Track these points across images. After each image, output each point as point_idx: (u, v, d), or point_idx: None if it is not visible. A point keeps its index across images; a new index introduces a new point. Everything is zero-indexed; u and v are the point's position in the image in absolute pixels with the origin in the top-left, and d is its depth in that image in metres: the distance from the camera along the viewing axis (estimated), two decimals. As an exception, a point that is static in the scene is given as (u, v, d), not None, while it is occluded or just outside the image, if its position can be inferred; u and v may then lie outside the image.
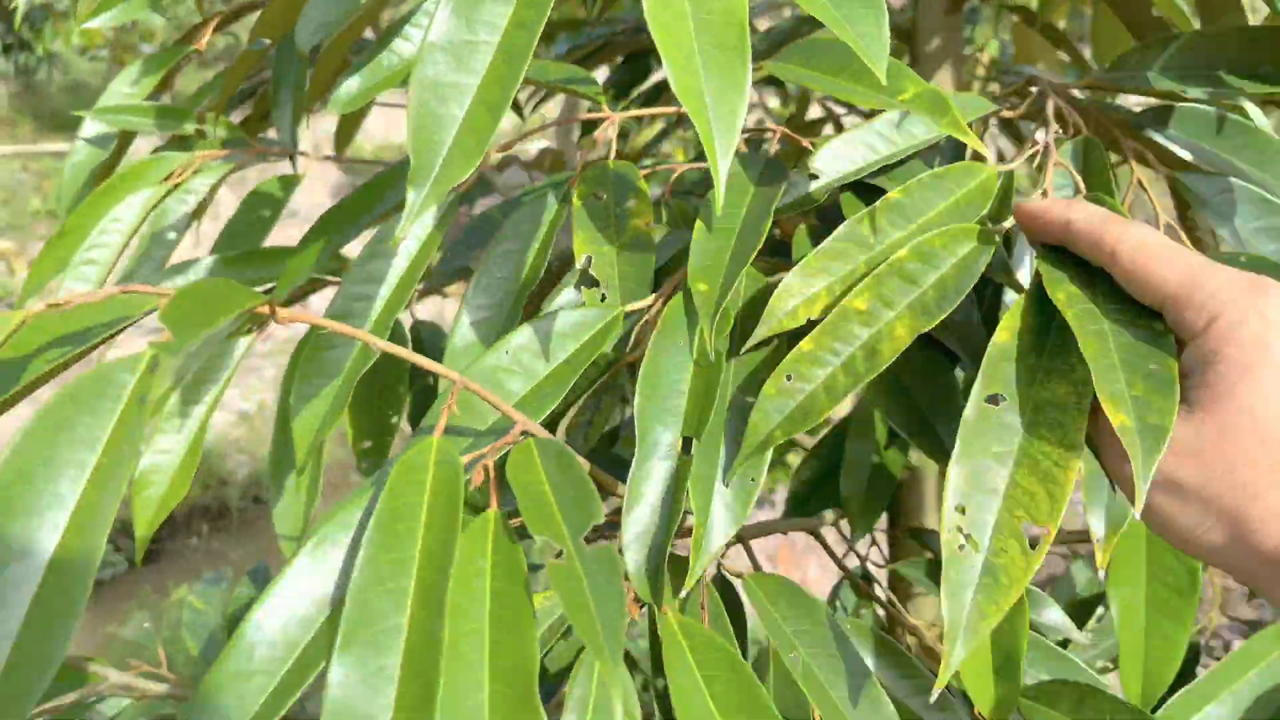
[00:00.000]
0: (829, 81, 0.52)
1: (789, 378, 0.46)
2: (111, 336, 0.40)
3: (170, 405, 0.75)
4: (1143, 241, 0.43)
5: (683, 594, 0.49)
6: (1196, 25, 0.73)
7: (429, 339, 0.90)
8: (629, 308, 0.53)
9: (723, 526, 0.46)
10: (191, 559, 3.78)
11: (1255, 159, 0.56)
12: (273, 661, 0.40)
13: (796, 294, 0.49)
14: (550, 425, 0.52)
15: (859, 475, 0.80)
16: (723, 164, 0.40)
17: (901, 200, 0.51)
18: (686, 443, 0.49)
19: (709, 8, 0.40)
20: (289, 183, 0.93)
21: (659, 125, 1.48)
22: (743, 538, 0.66)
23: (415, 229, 0.60)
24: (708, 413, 0.48)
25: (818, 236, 0.55)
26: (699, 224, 0.52)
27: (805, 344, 0.46)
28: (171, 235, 0.88)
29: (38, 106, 7.74)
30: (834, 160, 0.55)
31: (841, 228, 0.50)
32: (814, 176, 0.54)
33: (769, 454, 0.46)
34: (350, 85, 0.56)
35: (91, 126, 0.90)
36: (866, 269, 0.49)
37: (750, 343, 0.50)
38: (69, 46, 7.94)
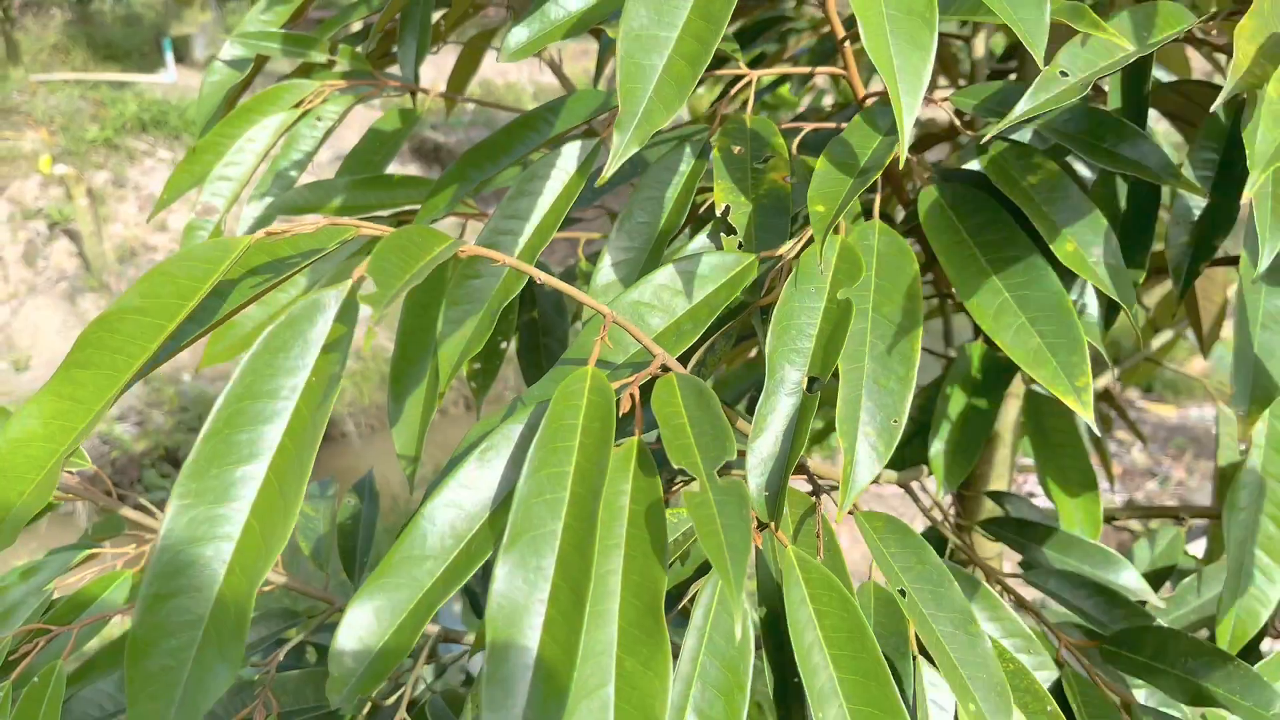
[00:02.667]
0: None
1: None
2: (311, 263, 0.44)
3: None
4: None
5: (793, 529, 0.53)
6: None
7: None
8: (765, 254, 0.57)
9: (868, 464, 0.50)
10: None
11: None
12: (443, 550, 0.45)
13: None
14: (682, 362, 0.55)
15: (948, 436, 0.83)
16: (907, 119, 0.43)
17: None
18: (811, 382, 0.53)
19: None
20: (409, 116, 0.97)
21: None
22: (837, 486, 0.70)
23: (559, 171, 0.63)
24: (834, 356, 0.52)
25: (948, 197, 0.58)
26: (822, 158, 0.55)
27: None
28: (303, 156, 0.92)
29: (92, 35, 7.82)
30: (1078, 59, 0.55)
31: None
32: (1064, 74, 0.55)
33: (911, 393, 0.50)
34: (519, 35, 0.59)
35: (229, 49, 0.95)
36: None
37: None
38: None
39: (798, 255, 0.57)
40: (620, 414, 0.49)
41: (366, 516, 0.90)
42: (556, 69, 1.13)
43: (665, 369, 0.51)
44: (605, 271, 0.61)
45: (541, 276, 0.50)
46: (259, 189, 0.89)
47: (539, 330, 0.91)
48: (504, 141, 0.71)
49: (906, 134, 0.43)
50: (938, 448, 0.83)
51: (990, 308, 0.54)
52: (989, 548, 0.95)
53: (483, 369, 0.87)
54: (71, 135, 6.70)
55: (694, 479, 0.45)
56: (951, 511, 0.89)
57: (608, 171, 0.44)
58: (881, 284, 0.56)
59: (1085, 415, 0.50)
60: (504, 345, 0.88)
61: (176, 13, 8.59)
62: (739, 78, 0.66)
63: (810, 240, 0.57)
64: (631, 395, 0.49)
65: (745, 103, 0.67)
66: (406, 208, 0.88)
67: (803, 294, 0.54)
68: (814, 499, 0.56)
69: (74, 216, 6.22)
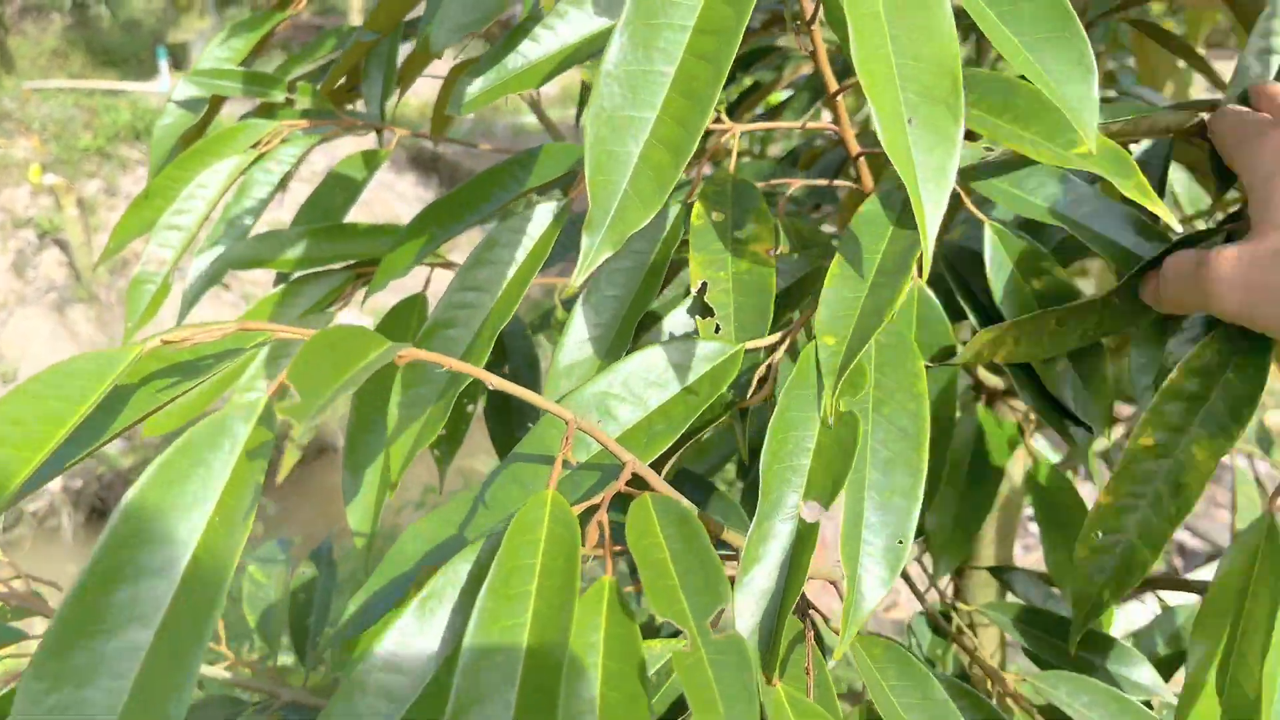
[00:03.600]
0: (993, 125, 0.49)
1: (1099, 534, 0.45)
2: (223, 373, 0.38)
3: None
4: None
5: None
6: None
7: (512, 330, 0.88)
8: (749, 345, 0.51)
9: (873, 591, 0.44)
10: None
11: None
12: (378, 717, 0.39)
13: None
14: (656, 466, 0.49)
15: (946, 509, 0.77)
16: (932, 223, 0.37)
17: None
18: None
19: (917, 54, 0.37)
20: (373, 158, 0.91)
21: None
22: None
23: (525, 239, 0.57)
24: (842, 478, 0.45)
25: (955, 272, 0.52)
26: (837, 263, 0.49)
27: (1103, 497, 0.45)
28: (257, 203, 0.86)
29: (90, 40, 7.77)
30: None
31: None
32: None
33: (917, 510, 0.44)
34: (474, 86, 0.53)
35: (184, 89, 0.89)
36: None
37: None
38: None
39: (788, 348, 0.51)
40: (589, 544, 0.43)
41: (322, 587, 0.83)
42: (536, 107, 1.08)
43: (638, 477, 0.45)
44: (569, 350, 0.55)
45: (493, 381, 0.44)
46: (210, 238, 0.83)
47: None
48: (470, 197, 0.65)
49: (930, 246, 0.37)
50: (935, 520, 0.78)
51: None
52: (991, 631, 0.89)
53: (447, 435, 0.81)
54: (64, 143, 6.65)
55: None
56: (949, 589, 0.83)
57: (574, 282, 0.37)
58: (883, 381, 0.49)
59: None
60: (470, 407, 0.82)
61: (174, 19, 8.53)
62: (724, 123, 0.60)
63: (801, 329, 0.51)
64: (599, 523, 0.42)
65: (729, 154, 0.61)
66: (367, 259, 0.82)
67: (800, 401, 0.47)
68: (803, 624, 0.50)
69: (63, 226, 6.17)
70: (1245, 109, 0.52)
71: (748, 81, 1.23)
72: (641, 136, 0.37)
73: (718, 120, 0.61)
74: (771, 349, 0.51)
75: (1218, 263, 0.46)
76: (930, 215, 0.37)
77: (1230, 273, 0.45)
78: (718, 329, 0.52)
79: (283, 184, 0.87)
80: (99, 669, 0.31)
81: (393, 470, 0.56)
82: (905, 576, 0.75)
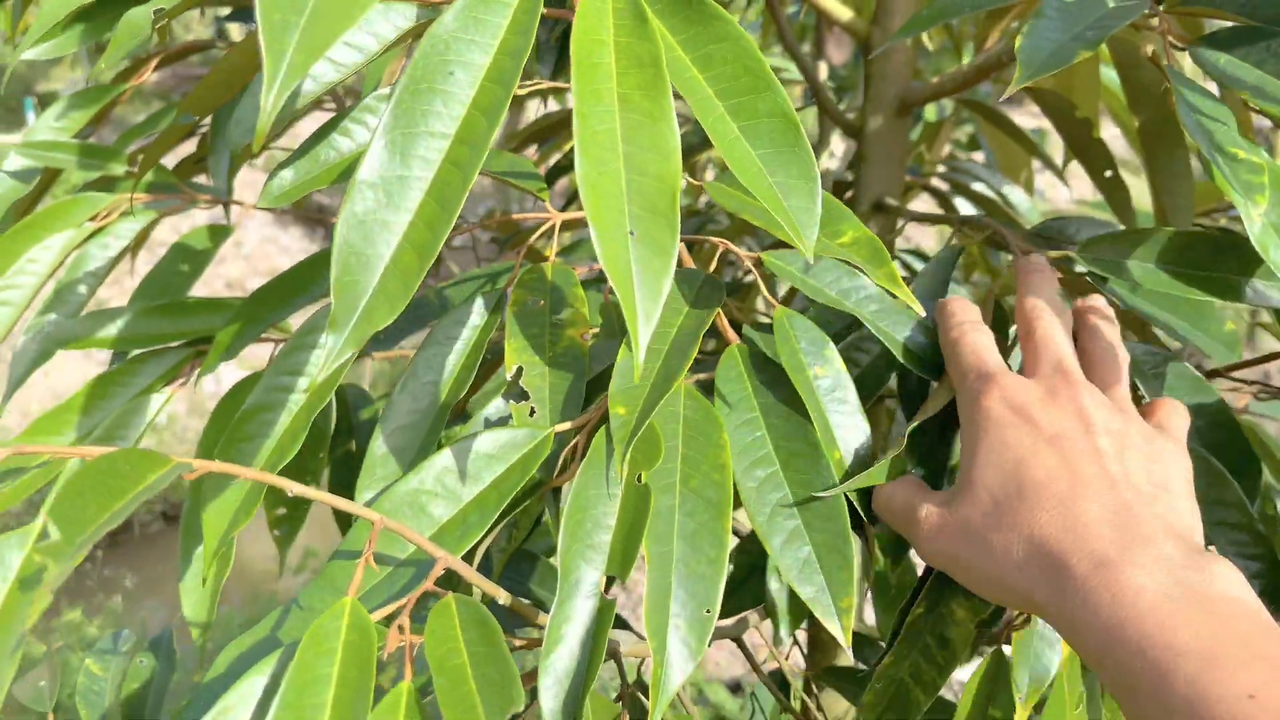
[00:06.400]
0: (769, 216, 0.51)
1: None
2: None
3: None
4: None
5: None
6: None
7: (353, 401, 0.88)
8: (559, 428, 0.52)
9: (681, 664, 0.45)
10: (89, 578, 3.63)
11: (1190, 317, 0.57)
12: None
13: None
14: (470, 552, 0.50)
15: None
16: (643, 335, 0.38)
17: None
18: (608, 582, 0.48)
19: (644, 170, 0.39)
20: (219, 233, 0.90)
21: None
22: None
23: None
24: (634, 553, 0.47)
25: (755, 358, 0.54)
26: (624, 345, 0.51)
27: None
28: (91, 280, 0.84)
29: (-46, 89, 7.52)
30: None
31: None
32: None
33: (723, 579, 0.45)
34: (284, 177, 0.53)
35: (15, 160, 0.87)
36: None
37: None
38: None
39: (592, 431, 0.52)
40: (387, 653, 0.43)
41: (160, 678, 0.81)
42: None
43: (449, 575, 0.46)
44: (385, 439, 0.55)
45: (293, 488, 0.44)
46: (38, 314, 0.81)
47: (356, 468, 0.84)
48: (293, 284, 0.65)
49: (640, 353, 0.39)
50: (775, 589, 0.79)
51: (765, 505, 0.50)
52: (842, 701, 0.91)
53: (288, 514, 0.80)
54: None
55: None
56: (799, 658, 0.85)
57: (319, 377, 0.38)
58: (689, 454, 0.51)
59: (842, 640, 0.46)
60: (313, 486, 0.81)
61: (44, 70, 8.28)
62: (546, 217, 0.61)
63: (605, 411, 0.52)
64: (400, 627, 0.43)
65: (550, 247, 0.62)
66: (205, 335, 0.80)
67: (597, 479, 0.49)
68: (619, 706, 0.51)
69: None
70: (968, 333, 0.52)
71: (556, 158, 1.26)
72: (394, 240, 0.38)
73: (542, 208, 0.63)
74: (579, 430, 0.52)
75: (925, 523, 0.49)
76: (642, 325, 0.38)
77: (932, 535, 0.48)
78: (533, 413, 0.53)
79: (120, 258, 0.86)
80: None
81: (205, 551, 0.56)
82: (745, 652, 0.76)
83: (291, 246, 6.76)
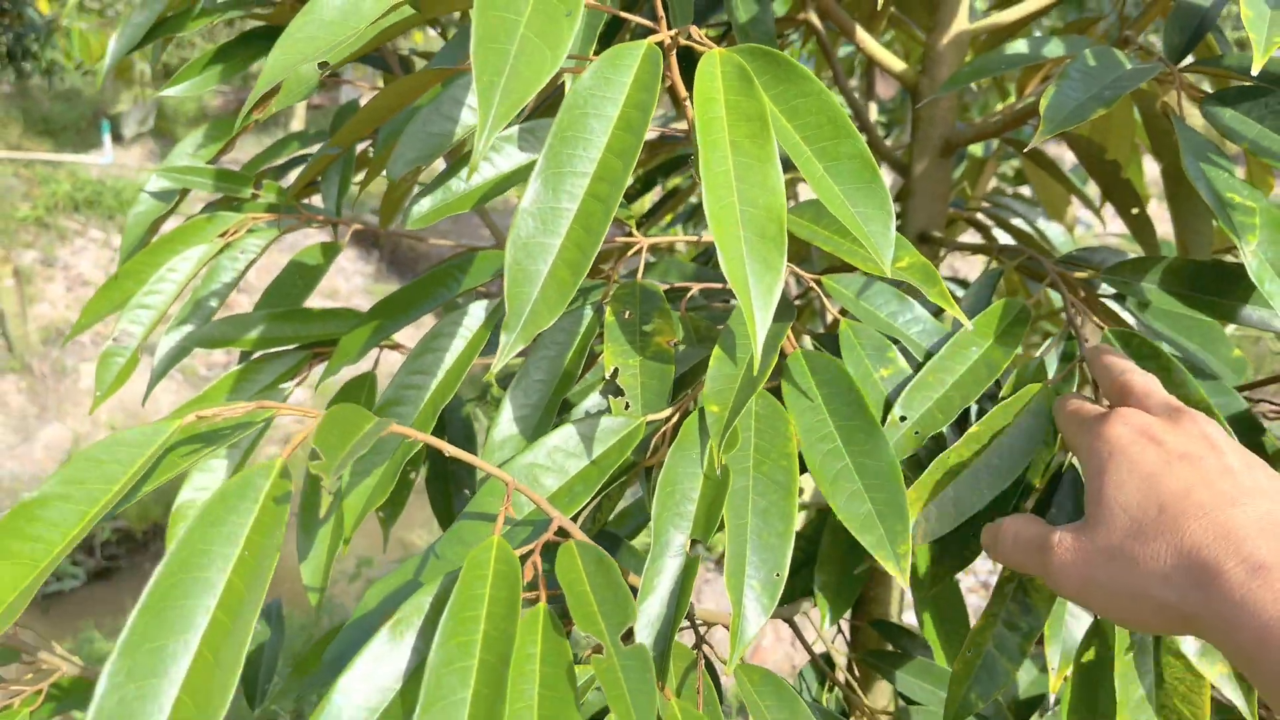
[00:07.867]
0: (835, 242, 0.61)
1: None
2: (242, 441, 0.47)
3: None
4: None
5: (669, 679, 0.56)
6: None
7: (450, 407, 0.98)
8: (650, 418, 0.62)
9: (755, 617, 0.54)
10: (147, 577, 3.75)
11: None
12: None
13: None
14: (574, 517, 0.60)
15: (833, 568, 0.87)
16: (760, 332, 0.48)
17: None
18: (693, 544, 0.57)
19: (754, 203, 0.49)
20: (330, 249, 1.01)
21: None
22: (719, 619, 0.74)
23: (463, 330, 0.68)
24: (715, 520, 0.56)
25: (812, 360, 0.64)
26: (717, 350, 0.60)
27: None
28: (223, 287, 0.95)
29: (29, 110, 7.77)
30: None
31: None
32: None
33: (790, 548, 0.55)
34: (423, 205, 0.64)
35: (156, 182, 0.98)
36: None
37: None
38: (69, 60, 8.10)
39: (680, 419, 0.61)
40: (525, 579, 0.53)
41: (271, 643, 0.91)
42: (485, 216, 1.18)
43: (562, 531, 0.55)
44: (503, 427, 0.65)
45: (448, 449, 0.54)
46: (178, 318, 0.92)
47: (447, 459, 0.94)
48: (415, 295, 0.75)
49: (759, 350, 0.48)
50: (823, 579, 0.88)
51: (830, 472, 0.59)
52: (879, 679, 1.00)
53: (391, 500, 0.90)
54: (1, 214, 6.60)
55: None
56: (844, 642, 0.93)
57: (494, 369, 0.48)
58: (761, 444, 0.60)
59: (901, 581, 0.55)
60: (413, 475, 0.91)
61: (114, 92, 8.57)
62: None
63: (692, 403, 0.62)
64: (534, 564, 0.52)
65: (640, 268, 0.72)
66: (321, 340, 0.91)
67: (685, 460, 0.58)
68: (696, 652, 0.60)
69: (-3, 297, 6.10)
70: (1082, 400, 0.58)
71: (670, 185, 1.36)
72: (550, 258, 0.49)
73: (629, 234, 0.73)
74: (667, 420, 0.62)
75: (1059, 551, 0.51)
76: (759, 325, 0.48)
77: (1068, 563, 0.50)
78: (627, 406, 0.63)
79: (248, 269, 0.97)
80: (158, 668, 0.39)
81: (346, 526, 0.66)
82: (796, 632, 0.85)
83: (348, 268, 6.94)
